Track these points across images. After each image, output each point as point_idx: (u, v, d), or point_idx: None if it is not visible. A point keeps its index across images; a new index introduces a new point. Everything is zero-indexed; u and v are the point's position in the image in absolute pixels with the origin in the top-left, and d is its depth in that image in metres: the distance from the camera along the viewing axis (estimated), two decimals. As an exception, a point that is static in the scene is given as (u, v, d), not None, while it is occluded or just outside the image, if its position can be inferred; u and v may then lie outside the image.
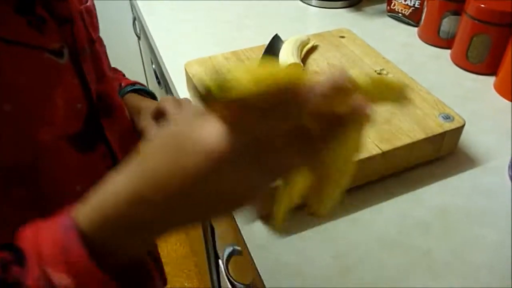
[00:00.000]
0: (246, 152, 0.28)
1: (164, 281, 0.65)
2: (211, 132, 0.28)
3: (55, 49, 0.42)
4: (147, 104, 0.59)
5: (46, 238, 0.31)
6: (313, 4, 1.09)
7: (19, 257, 0.31)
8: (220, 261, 1.07)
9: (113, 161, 0.49)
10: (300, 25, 1.03)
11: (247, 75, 0.26)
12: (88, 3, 0.49)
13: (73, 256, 0.30)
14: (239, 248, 0.68)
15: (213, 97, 0.26)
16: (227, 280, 0.68)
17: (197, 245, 1.54)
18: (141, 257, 0.36)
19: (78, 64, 0.45)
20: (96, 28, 0.51)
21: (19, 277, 0.30)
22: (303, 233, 0.55)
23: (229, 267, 0.70)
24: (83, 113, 0.45)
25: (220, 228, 0.81)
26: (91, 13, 0.50)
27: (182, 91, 0.78)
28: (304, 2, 1.11)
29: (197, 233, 1.39)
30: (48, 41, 0.41)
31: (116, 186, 0.31)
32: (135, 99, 0.62)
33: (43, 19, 0.41)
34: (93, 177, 0.36)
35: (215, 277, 1.19)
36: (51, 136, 0.41)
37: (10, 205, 0.40)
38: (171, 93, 0.87)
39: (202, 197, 0.29)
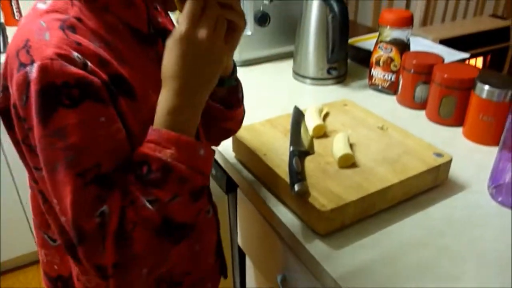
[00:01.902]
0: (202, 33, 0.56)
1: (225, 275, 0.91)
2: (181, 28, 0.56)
3: None
4: None
5: (150, 145, 0.56)
6: (307, 83, 1.34)
7: (147, 164, 0.55)
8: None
9: None
10: (303, 99, 1.26)
11: None
12: None
13: (166, 138, 0.55)
14: (289, 274, 0.84)
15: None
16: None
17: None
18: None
19: None
20: None
21: (148, 172, 0.55)
22: (350, 247, 0.73)
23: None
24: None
25: (265, 264, 0.97)
26: None
27: (229, 154, 0.97)
28: (299, 81, 1.36)
29: None
30: None
31: (161, 101, 0.58)
32: None
33: None
34: None
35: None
36: None
37: None
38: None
39: (201, 66, 0.57)
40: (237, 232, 1.06)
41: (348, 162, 0.82)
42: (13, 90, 0.53)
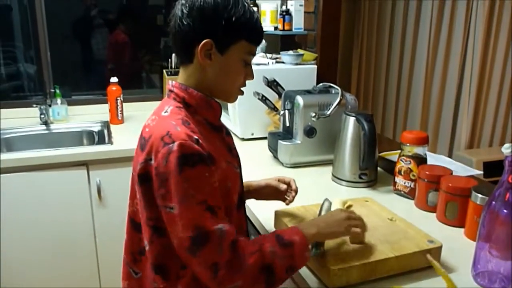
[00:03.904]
0: (347, 221, 1.00)
1: None
2: (341, 213, 1.03)
3: (236, 166, 1.07)
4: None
5: (291, 232, 0.96)
6: (343, 184, 1.64)
7: (284, 238, 0.94)
8: None
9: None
10: (336, 195, 1.55)
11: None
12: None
13: (298, 232, 0.96)
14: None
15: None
16: None
17: None
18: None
19: (241, 173, 1.09)
20: None
21: (282, 238, 0.94)
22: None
23: None
24: (239, 193, 1.08)
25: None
26: None
27: (271, 228, 1.27)
28: (336, 183, 1.66)
29: None
30: (235, 162, 1.06)
31: (312, 224, 1.00)
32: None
33: (234, 154, 1.07)
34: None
35: None
36: (235, 199, 1.03)
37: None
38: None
39: (336, 230, 1.00)
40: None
41: None
42: (158, 158, 0.91)
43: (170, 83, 1.06)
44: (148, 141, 0.95)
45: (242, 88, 1.10)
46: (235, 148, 1.15)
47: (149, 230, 0.98)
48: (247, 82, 1.09)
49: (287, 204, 1.23)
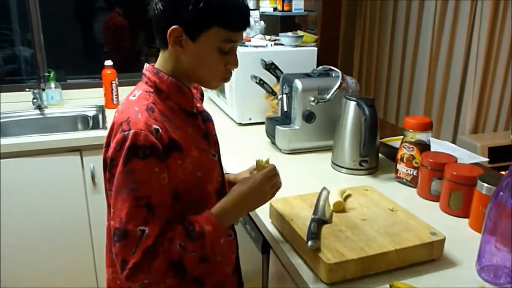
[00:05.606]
0: (267, 185, 0.99)
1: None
2: (257, 177, 1.00)
3: (213, 153, 1.02)
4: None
5: (201, 217, 0.93)
6: (343, 172, 1.58)
7: (192, 225, 0.91)
8: None
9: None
10: (336, 183, 1.50)
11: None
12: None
13: (212, 221, 0.92)
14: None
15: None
16: None
17: None
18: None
19: (220, 160, 1.05)
20: None
21: (192, 229, 0.90)
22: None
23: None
24: (220, 182, 1.03)
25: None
26: None
27: (267, 220, 1.21)
28: (336, 170, 1.60)
29: None
30: (211, 150, 1.01)
31: (227, 200, 0.97)
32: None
33: (210, 142, 1.01)
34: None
35: None
36: (211, 189, 0.99)
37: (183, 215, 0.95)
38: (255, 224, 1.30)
39: (256, 198, 1.00)
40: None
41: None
42: (112, 143, 0.88)
43: (145, 66, 1.01)
44: (112, 125, 0.93)
45: (231, 71, 1.02)
46: (214, 134, 1.10)
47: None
48: (243, 64, 1.02)
49: None
